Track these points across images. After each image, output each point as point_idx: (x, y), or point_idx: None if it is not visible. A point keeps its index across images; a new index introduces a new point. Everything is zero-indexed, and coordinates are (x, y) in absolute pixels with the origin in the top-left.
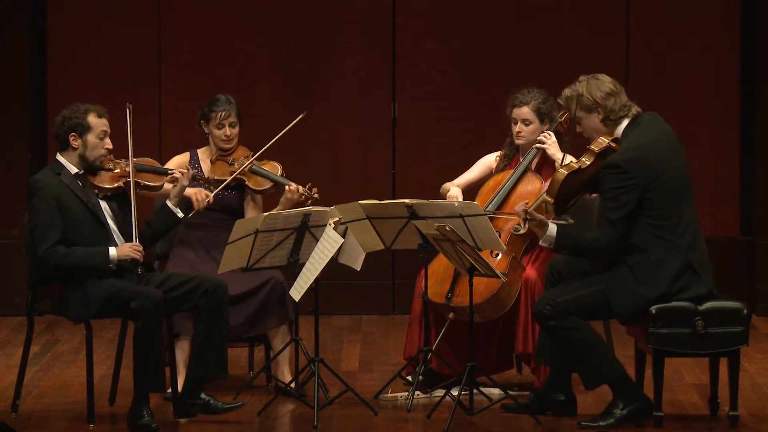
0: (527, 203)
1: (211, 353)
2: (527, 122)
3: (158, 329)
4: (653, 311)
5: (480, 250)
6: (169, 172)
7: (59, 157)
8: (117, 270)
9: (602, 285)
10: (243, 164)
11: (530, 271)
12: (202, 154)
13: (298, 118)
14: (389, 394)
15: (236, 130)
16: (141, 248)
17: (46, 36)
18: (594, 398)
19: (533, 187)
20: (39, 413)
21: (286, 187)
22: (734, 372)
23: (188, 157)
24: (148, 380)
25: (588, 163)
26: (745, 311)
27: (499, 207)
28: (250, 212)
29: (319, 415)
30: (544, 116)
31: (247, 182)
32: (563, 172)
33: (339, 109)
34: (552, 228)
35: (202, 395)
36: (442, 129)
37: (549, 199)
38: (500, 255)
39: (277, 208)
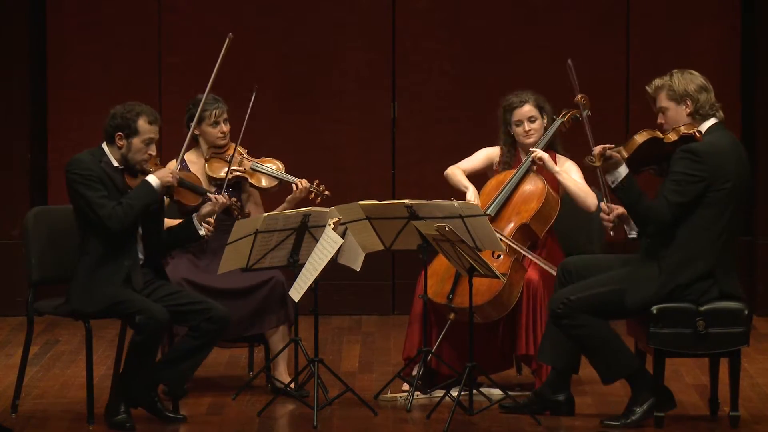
0: (608, 147)
1: (182, 367)
2: (533, 119)
3: (156, 347)
4: (654, 311)
5: (479, 250)
6: (207, 194)
7: (104, 147)
8: (127, 277)
9: (620, 284)
10: (240, 160)
11: (532, 273)
12: (190, 156)
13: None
14: (389, 395)
15: (228, 126)
16: (177, 174)
17: (46, 36)
18: (593, 398)
19: (536, 187)
20: (39, 413)
21: (294, 186)
22: (735, 372)
23: (175, 163)
24: (135, 391)
25: (672, 139)
26: (745, 312)
27: (501, 208)
28: (252, 212)
29: (318, 416)
30: (543, 110)
31: (249, 180)
32: (646, 135)
33: (339, 110)
34: (623, 169)
35: (151, 393)
36: (442, 129)
37: (624, 153)
38: (502, 256)
39: (283, 206)
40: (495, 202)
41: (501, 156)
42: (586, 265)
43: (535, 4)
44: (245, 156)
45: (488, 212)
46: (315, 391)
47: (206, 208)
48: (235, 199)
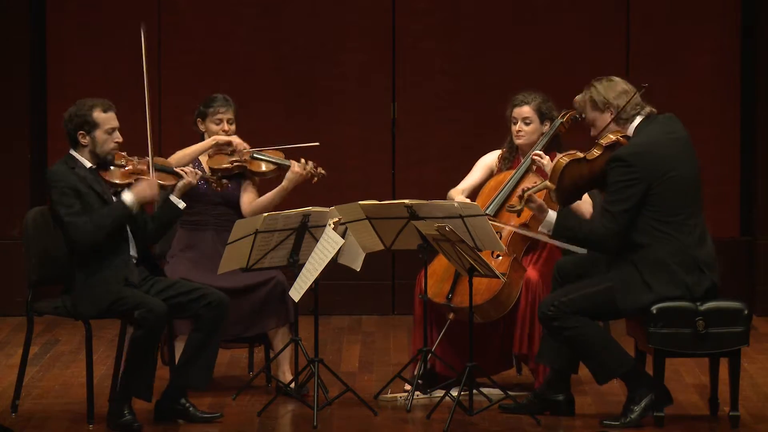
0: (528, 187)
1: (198, 364)
2: (528, 121)
3: (156, 341)
4: (654, 311)
5: (480, 250)
6: (178, 171)
7: (73, 153)
8: (125, 276)
9: (609, 282)
10: (242, 153)
11: (531, 273)
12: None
13: (308, 144)
14: (389, 395)
15: (233, 127)
16: (158, 189)
17: (46, 36)
18: (593, 398)
19: None
20: (39, 413)
21: (292, 162)
22: (735, 372)
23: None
24: (137, 388)
25: (595, 155)
26: (745, 311)
27: (501, 207)
28: (247, 194)
29: (318, 416)
30: (544, 116)
31: (249, 167)
32: (565, 159)
33: (339, 110)
34: (551, 214)
35: (182, 401)
36: (442, 129)
37: (550, 185)
38: (501, 256)
39: (282, 185)
40: (494, 202)
41: (501, 155)
42: (583, 263)
43: (535, 4)
44: (246, 147)
45: (487, 212)
46: (315, 391)
47: (182, 183)
48: (200, 174)
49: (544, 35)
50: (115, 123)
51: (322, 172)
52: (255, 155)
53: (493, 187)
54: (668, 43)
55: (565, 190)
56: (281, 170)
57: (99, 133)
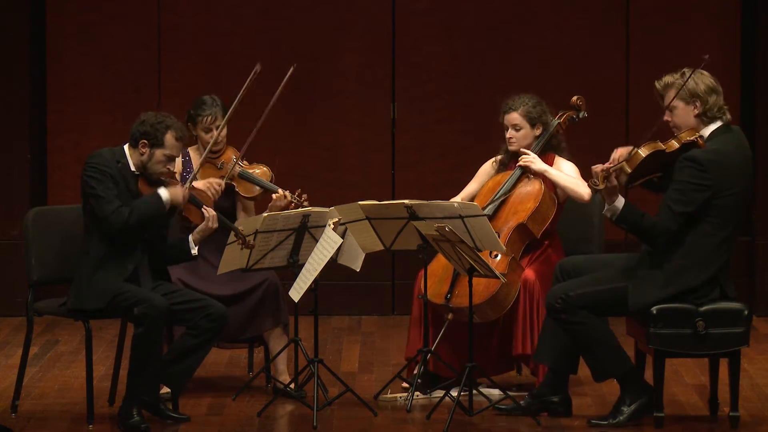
0: (604, 165)
1: (181, 366)
2: (517, 127)
3: (159, 337)
4: (654, 311)
5: (479, 250)
6: (204, 208)
7: (125, 149)
8: (132, 276)
9: (622, 281)
10: (232, 167)
11: (528, 272)
12: (193, 152)
13: (287, 76)
14: (389, 395)
15: (224, 132)
16: (187, 195)
17: (46, 36)
18: (593, 399)
19: (533, 187)
20: (39, 414)
21: (274, 195)
22: (735, 373)
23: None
24: (142, 387)
25: (674, 147)
26: (745, 312)
27: (498, 209)
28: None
29: (318, 416)
30: (535, 120)
31: (236, 188)
32: (646, 150)
33: (339, 110)
34: (621, 200)
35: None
36: (442, 129)
37: (627, 168)
38: (499, 256)
39: (263, 214)
40: (491, 203)
41: (499, 159)
42: (584, 264)
43: (535, 4)
44: (238, 162)
45: (485, 212)
46: (315, 392)
47: (202, 226)
48: (242, 228)
49: (544, 35)
50: (177, 153)
51: (306, 203)
52: (243, 173)
53: (490, 188)
54: (668, 43)
55: (635, 175)
56: (268, 193)
57: (159, 153)
